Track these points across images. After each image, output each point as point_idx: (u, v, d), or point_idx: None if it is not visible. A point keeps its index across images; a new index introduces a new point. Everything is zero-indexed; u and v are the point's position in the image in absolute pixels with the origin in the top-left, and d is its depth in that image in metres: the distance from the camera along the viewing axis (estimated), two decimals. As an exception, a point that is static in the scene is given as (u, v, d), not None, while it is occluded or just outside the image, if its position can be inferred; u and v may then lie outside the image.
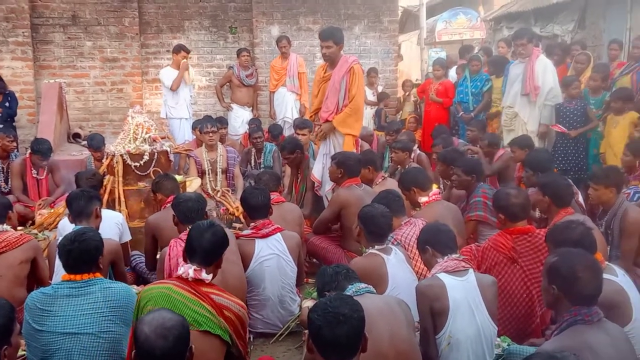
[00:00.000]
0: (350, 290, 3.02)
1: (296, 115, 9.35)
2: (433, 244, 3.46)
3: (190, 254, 3.20)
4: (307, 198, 6.44)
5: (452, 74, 10.07)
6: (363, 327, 2.38)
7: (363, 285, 3.09)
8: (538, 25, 13.39)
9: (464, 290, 3.25)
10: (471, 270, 3.37)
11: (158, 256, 4.49)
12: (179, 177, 5.70)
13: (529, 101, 7.24)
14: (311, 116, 6.60)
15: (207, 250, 3.20)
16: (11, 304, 2.58)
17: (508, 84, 7.59)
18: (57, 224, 5.69)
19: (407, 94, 10.76)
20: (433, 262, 3.45)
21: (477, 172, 5.50)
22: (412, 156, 7.04)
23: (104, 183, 5.70)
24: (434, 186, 5.09)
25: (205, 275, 3.15)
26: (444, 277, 3.29)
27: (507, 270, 3.99)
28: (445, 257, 3.39)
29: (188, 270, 3.12)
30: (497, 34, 14.84)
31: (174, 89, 9.06)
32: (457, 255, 3.42)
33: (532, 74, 7.15)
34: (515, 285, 3.96)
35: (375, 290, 3.16)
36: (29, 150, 7.01)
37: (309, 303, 4.14)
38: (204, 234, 3.23)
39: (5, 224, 4.37)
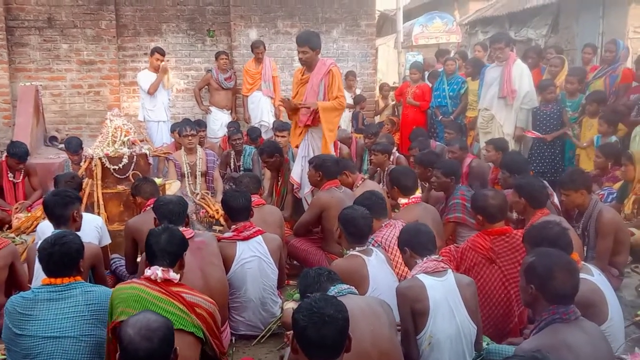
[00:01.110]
0: (333, 291, 3.04)
1: (272, 119, 9.37)
2: (412, 245, 3.51)
3: (152, 259, 3.25)
4: (287, 201, 6.46)
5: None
6: (348, 328, 2.41)
7: (345, 286, 3.11)
8: (512, 30, 13.59)
9: (443, 291, 3.30)
10: (450, 270, 3.43)
11: (138, 259, 4.48)
12: (158, 180, 5.68)
13: (505, 104, 7.34)
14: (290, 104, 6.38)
15: (168, 251, 3.25)
16: None
17: (484, 86, 7.69)
18: (35, 227, 5.66)
19: (385, 98, 10.83)
20: (412, 263, 3.49)
21: (456, 174, 5.58)
22: (391, 159, 7.10)
23: (83, 186, 5.66)
24: (417, 191, 5.15)
25: (174, 275, 3.20)
26: (423, 277, 3.33)
27: (486, 271, 4.05)
28: (425, 258, 3.43)
29: (156, 271, 3.17)
30: (472, 38, 15.04)
31: (151, 92, 9.04)
32: (437, 257, 3.47)
33: (509, 78, 7.26)
34: (494, 285, 4.03)
35: (357, 292, 3.19)
36: (5, 154, 6.92)
37: (290, 305, 4.16)
38: (161, 236, 3.29)
39: None
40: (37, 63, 10.19)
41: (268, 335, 4.32)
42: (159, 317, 2.47)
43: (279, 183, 6.78)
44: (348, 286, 3.13)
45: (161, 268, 3.18)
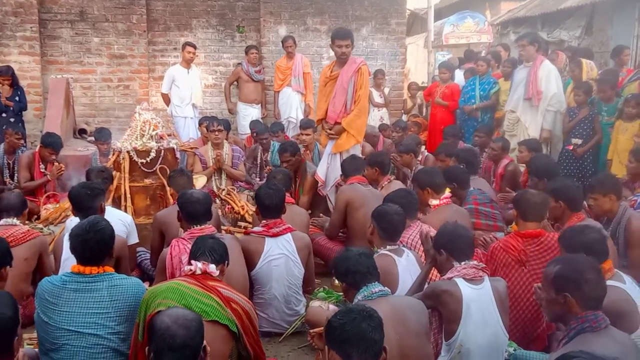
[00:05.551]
0: (362, 294, 3.00)
1: (301, 116, 9.35)
2: (450, 248, 3.42)
3: (195, 255, 3.32)
4: (302, 202, 6.44)
5: (460, 77, 10.04)
6: (383, 327, 2.37)
7: (377, 289, 3.05)
8: (545, 31, 13.37)
9: (479, 299, 3.22)
10: (487, 277, 3.35)
11: (162, 253, 4.49)
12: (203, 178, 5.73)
13: (530, 106, 7.22)
14: (318, 122, 6.59)
15: (214, 249, 3.34)
16: (12, 296, 2.55)
17: (512, 87, 7.59)
18: (63, 218, 5.72)
19: (413, 97, 10.75)
20: (448, 266, 3.41)
21: (458, 180, 5.46)
22: (419, 158, 7.04)
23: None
24: (447, 190, 5.07)
25: (213, 268, 3.23)
26: (461, 283, 3.25)
27: (515, 273, 3.96)
28: (463, 263, 3.34)
29: (196, 264, 3.22)
30: (503, 39, 14.83)
31: (164, 91, 9.19)
32: (476, 263, 3.38)
33: (535, 79, 7.15)
34: (522, 288, 3.94)
35: (390, 291, 3.13)
36: (39, 145, 6.99)
37: (316, 303, 4.15)
38: (208, 239, 3.43)
39: (16, 219, 4.37)
40: (68, 56, 10.30)
41: (291, 333, 4.30)
42: (192, 313, 2.51)
43: (297, 184, 6.77)
44: (380, 288, 3.06)
45: (202, 261, 3.22)
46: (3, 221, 4.36)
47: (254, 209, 5.42)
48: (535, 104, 7.15)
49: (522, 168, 6.53)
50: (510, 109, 7.46)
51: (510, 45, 10.19)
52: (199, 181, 6.61)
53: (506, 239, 4.12)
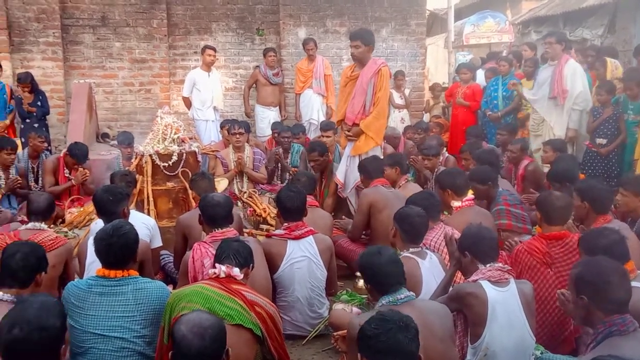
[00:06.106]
0: (387, 298, 2.98)
1: (322, 118, 9.34)
2: (474, 251, 3.39)
3: (220, 258, 3.33)
4: (326, 204, 6.43)
5: (481, 78, 9.97)
6: (418, 338, 2.33)
7: (403, 295, 3.01)
8: (567, 29, 13.21)
9: (504, 302, 3.19)
10: (512, 279, 3.31)
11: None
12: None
13: (555, 105, 7.14)
14: (338, 123, 6.58)
15: (238, 252, 3.33)
16: (60, 303, 2.57)
17: (536, 87, 7.50)
18: (87, 222, 5.76)
19: (436, 98, 10.69)
20: (472, 268, 3.38)
21: (493, 178, 5.44)
22: (440, 159, 6.99)
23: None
24: (469, 192, 5.03)
25: (237, 272, 3.24)
26: (486, 286, 3.22)
27: (540, 275, 3.91)
28: (488, 265, 3.31)
29: (220, 267, 3.22)
30: (525, 38, 14.67)
31: (185, 94, 9.25)
32: (501, 265, 3.34)
33: (560, 77, 7.06)
34: (549, 291, 3.88)
35: (415, 296, 3.10)
36: (65, 151, 7.05)
37: (339, 306, 4.13)
38: (232, 242, 3.44)
39: (44, 223, 4.40)
40: (90, 61, 10.41)
41: (314, 336, 4.28)
42: (211, 317, 2.49)
43: (322, 185, 6.76)
44: (406, 294, 3.03)
45: (226, 264, 3.23)
46: (31, 224, 4.37)
47: (275, 212, 5.42)
48: (561, 103, 7.06)
49: (547, 169, 6.45)
50: (536, 108, 7.37)
51: (527, 45, 10.06)
52: (221, 184, 6.63)
53: (530, 242, 4.07)
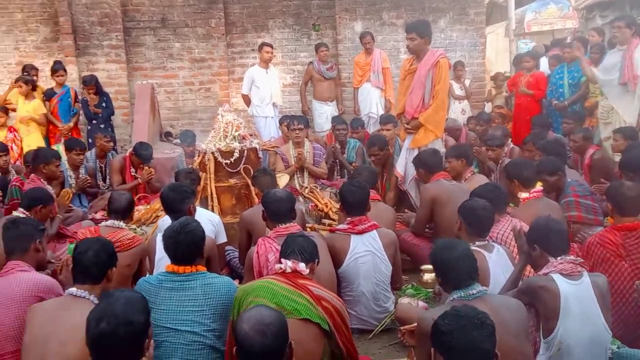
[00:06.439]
0: (459, 293, 2.92)
1: (381, 111, 9.27)
2: (544, 244, 3.30)
3: (285, 254, 3.33)
4: (388, 198, 6.37)
5: (544, 65, 9.67)
6: (495, 335, 2.26)
7: (475, 290, 2.94)
8: (634, 13, 12.70)
9: (577, 295, 3.09)
10: (585, 272, 3.20)
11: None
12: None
13: (626, 91, 6.86)
14: (398, 116, 6.52)
15: (304, 247, 3.33)
16: (144, 298, 2.60)
17: (603, 72, 7.24)
18: (154, 219, 5.90)
19: (499, 88, 10.44)
20: (543, 261, 3.28)
21: (562, 169, 5.27)
22: (504, 150, 6.83)
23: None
24: (538, 184, 4.89)
25: (303, 267, 3.24)
26: (558, 279, 3.13)
27: (614, 268, 3.78)
28: (559, 258, 3.21)
29: (286, 262, 3.23)
30: (589, 23, 14.17)
31: (244, 92, 9.32)
32: (574, 258, 3.24)
33: (630, 62, 6.78)
34: (624, 284, 3.76)
35: (487, 291, 3.02)
36: (130, 150, 7.25)
37: (405, 300, 4.09)
38: (298, 238, 3.43)
39: (122, 222, 4.49)
40: (152, 62, 10.63)
41: (380, 330, 4.26)
42: (272, 312, 2.48)
43: (384, 179, 6.71)
44: (478, 289, 2.95)
45: (292, 259, 3.24)
46: (110, 222, 4.48)
47: (337, 206, 5.41)
48: (632, 89, 6.79)
49: (618, 157, 6.21)
50: (604, 92, 7.12)
51: (595, 30, 9.67)
52: (282, 180, 6.67)
53: (602, 233, 3.94)
